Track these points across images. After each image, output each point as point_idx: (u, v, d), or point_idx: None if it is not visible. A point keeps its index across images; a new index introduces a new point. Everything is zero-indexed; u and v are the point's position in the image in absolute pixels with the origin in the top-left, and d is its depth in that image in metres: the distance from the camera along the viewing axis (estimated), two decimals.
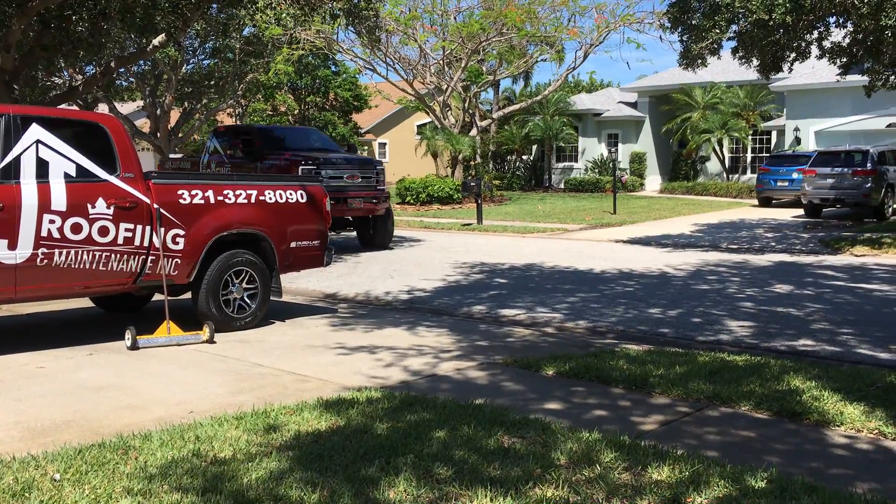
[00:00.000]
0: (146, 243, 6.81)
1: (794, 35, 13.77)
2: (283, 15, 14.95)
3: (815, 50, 15.12)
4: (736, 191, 29.24)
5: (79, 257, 6.45)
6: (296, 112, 36.66)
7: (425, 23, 26.35)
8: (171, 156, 19.36)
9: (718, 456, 3.98)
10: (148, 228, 6.81)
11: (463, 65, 26.68)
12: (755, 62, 15.08)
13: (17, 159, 6.25)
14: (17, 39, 11.40)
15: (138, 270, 6.83)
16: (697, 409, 4.85)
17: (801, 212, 21.96)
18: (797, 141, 28.56)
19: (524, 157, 37.32)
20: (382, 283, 10.67)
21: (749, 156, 32.29)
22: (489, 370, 5.91)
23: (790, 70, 15.99)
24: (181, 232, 7.01)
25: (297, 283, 10.44)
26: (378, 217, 14.49)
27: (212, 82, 26.93)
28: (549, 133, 33.55)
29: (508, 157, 37.91)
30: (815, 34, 14.70)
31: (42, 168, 6.34)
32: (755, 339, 7.10)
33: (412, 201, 25.90)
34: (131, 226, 6.70)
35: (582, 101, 36.02)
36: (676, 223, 19.93)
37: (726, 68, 28.51)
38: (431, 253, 14.09)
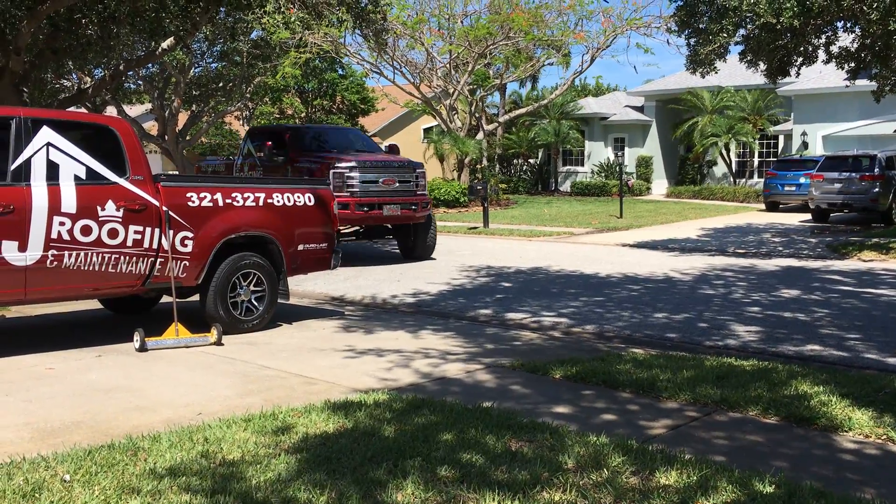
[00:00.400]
0: (155, 245, 6.84)
1: (801, 39, 13.76)
2: (293, 19, 14.99)
3: (822, 54, 15.10)
4: (743, 195, 29.18)
5: (88, 259, 6.48)
6: (303, 115, 36.74)
7: (432, 27, 26.40)
8: (209, 159, 19.23)
9: (726, 461, 3.98)
10: (157, 231, 6.84)
11: (470, 68, 26.71)
12: (762, 66, 15.07)
13: (28, 162, 6.29)
14: (27, 42, 11.46)
15: (147, 272, 6.87)
16: (705, 413, 4.85)
17: (808, 216, 21.90)
18: (805, 145, 28.51)
19: (530, 161, 37.33)
20: (388, 286, 10.69)
21: (756, 160, 32.24)
22: (496, 373, 5.91)
23: (798, 74, 15.96)
24: (190, 234, 7.04)
25: (304, 286, 10.47)
26: (419, 225, 13.39)
27: (220, 85, 27.01)
28: (555, 137, 33.56)
29: (515, 161, 37.92)
30: (823, 39, 14.69)
31: (52, 170, 6.38)
32: (763, 344, 7.09)
33: None
34: (140, 228, 6.74)
35: (589, 105, 36.03)
36: (683, 227, 19.90)
37: (734, 72, 28.49)
38: (437, 256, 14.09)
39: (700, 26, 13.92)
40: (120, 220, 6.63)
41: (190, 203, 7.09)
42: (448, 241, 16.86)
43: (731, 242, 16.30)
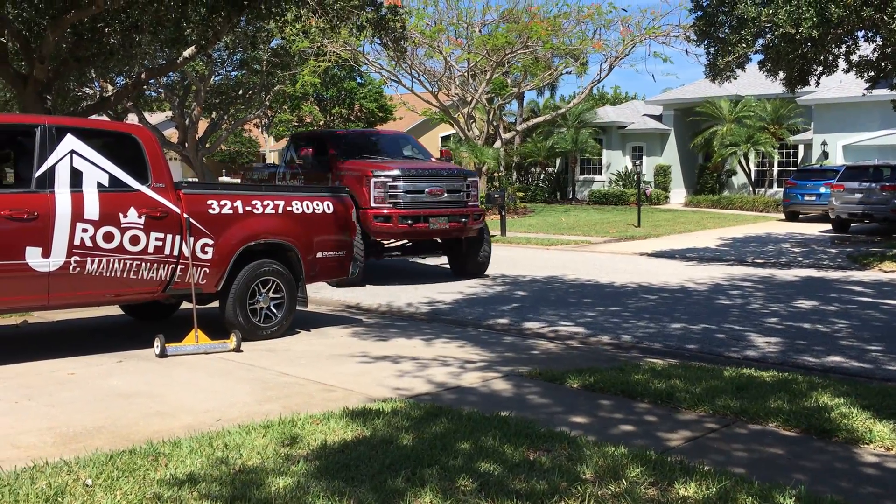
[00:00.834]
0: (176, 252, 6.91)
1: (821, 49, 13.67)
2: (313, 29, 15.07)
3: (842, 64, 15.00)
4: (762, 205, 29.00)
5: (110, 265, 6.55)
6: (321, 123, 36.94)
7: (451, 35, 26.48)
8: (255, 165, 19.20)
9: (746, 473, 3.95)
10: (178, 238, 6.90)
11: (487, 77, 26.75)
12: (782, 76, 14.99)
13: (52, 169, 6.38)
14: (50, 51, 11.62)
15: (168, 279, 6.93)
16: (724, 424, 4.83)
17: (828, 226, 21.72)
18: (825, 155, 28.29)
19: (548, 170, 37.30)
20: (404, 293, 10.71)
21: (776, 170, 32.03)
22: (514, 382, 5.91)
23: (817, 84, 15.87)
24: (210, 241, 7.11)
25: (321, 293, 10.51)
26: (471, 239, 12.28)
27: (239, 93, 27.24)
28: (573, 145, 33.52)
29: (532, 170, 37.90)
30: (843, 48, 14.59)
31: (76, 178, 6.47)
32: (782, 355, 7.04)
33: None
34: (161, 235, 6.81)
35: (607, 114, 35.98)
36: (701, 237, 19.80)
37: (753, 81, 28.35)
38: None
39: (719, 36, 13.88)
40: (142, 227, 6.70)
41: (210, 210, 7.15)
42: None
43: (750, 252, 16.20)
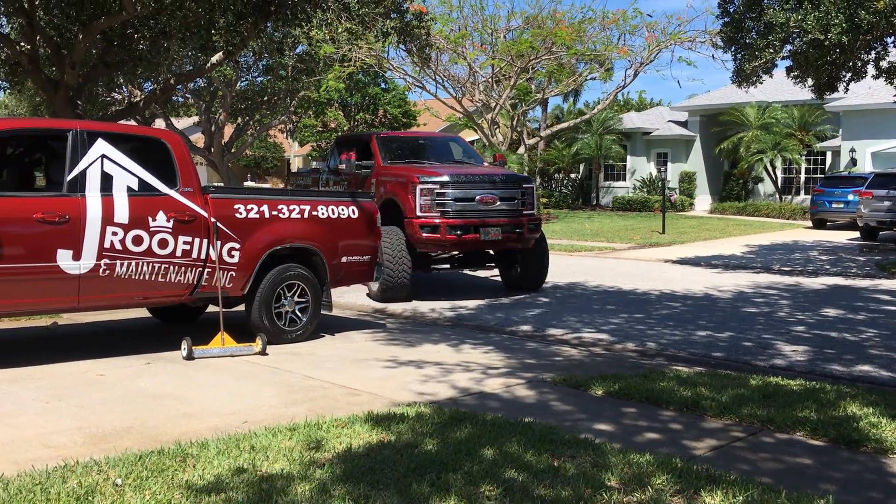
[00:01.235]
0: (203, 256, 6.99)
1: (850, 55, 13.52)
2: (339, 31, 15.16)
3: (871, 70, 14.82)
4: (789, 212, 28.69)
5: (139, 269, 6.64)
6: (345, 128, 37.16)
7: (475, 41, 26.51)
8: (301, 169, 19.36)
9: (773, 482, 3.92)
10: (205, 241, 6.98)
11: (512, 83, 26.74)
12: (810, 82, 14.84)
13: (83, 173, 6.49)
14: (81, 56, 11.82)
15: (195, 282, 7.01)
16: (751, 433, 4.79)
17: (856, 234, 21.44)
18: (853, 162, 27.95)
19: (572, 176, 37.19)
20: (428, 299, 10.73)
21: (803, 177, 31.69)
22: (537, 388, 5.91)
23: (846, 90, 15.68)
24: (237, 245, 7.18)
25: (346, 298, 10.56)
26: (527, 251, 11.31)
27: (265, 98, 27.48)
28: (597, 151, 33.40)
29: (556, 175, 37.81)
30: (872, 54, 14.41)
31: (106, 182, 6.57)
32: (810, 364, 6.96)
33: None
34: (189, 239, 6.89)
35: (631, 120, 35.81)
36: (727, 244, 19.63)
37: (780, 87, 28.07)
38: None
39: (746, 41, 13.78)
40: (170, 230, 6.78)
41: (237, 215, 7.23)
42: None
43: (776, 260, 16.04)
